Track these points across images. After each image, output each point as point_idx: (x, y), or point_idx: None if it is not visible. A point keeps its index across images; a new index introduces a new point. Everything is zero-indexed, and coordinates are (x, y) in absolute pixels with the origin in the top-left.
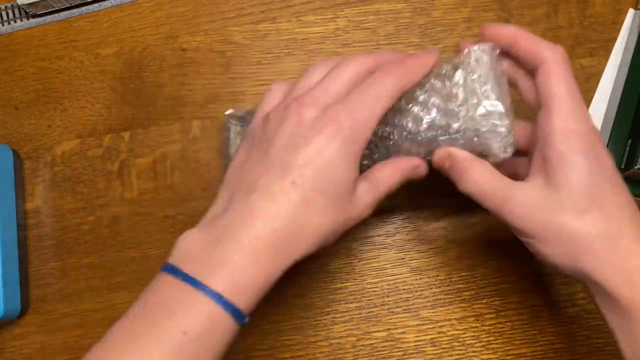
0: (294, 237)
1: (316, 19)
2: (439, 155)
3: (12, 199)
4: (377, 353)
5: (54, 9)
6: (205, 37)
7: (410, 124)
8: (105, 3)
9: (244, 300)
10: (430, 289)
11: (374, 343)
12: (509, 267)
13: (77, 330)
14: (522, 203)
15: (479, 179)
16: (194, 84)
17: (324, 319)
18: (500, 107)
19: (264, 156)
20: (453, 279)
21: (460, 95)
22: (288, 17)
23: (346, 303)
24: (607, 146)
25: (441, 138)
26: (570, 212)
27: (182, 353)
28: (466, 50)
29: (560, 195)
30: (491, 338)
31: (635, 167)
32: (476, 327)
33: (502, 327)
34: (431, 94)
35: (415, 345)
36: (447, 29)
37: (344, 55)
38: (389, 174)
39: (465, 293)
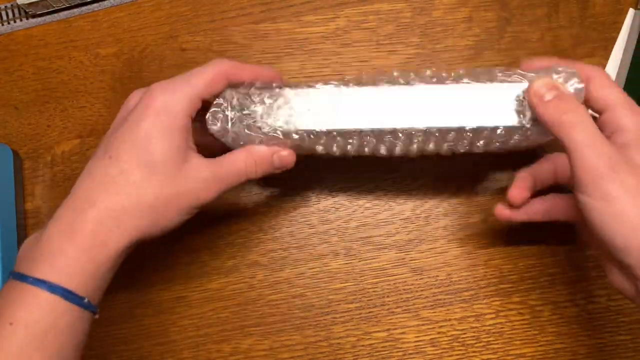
0: (116, 211)
1: (316, 19)
2: (543, 81)
3: (12, 198)
4: (377, 353)
5: (53, 9)
6: (205, 37)
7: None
8: (105, 3)
9: (73, 280)
10: (430, 289)
11: (374, 343)
12: (509, 267)
13: None
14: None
15: (590, 128)
16: None
17: (324, 319)
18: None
19: (99, 146)
20: (453, 279)
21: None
22: (288, 17)
23: (346, 303)
24: None
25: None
26: None
27: (11, 343)
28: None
29: None
30: (491, 338)
31: None
32: (476, 327)
33: (502, 328)
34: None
35: (415, 346)
36: (447, 29)
37: None
38: (238, 156)
39: (465, 293)
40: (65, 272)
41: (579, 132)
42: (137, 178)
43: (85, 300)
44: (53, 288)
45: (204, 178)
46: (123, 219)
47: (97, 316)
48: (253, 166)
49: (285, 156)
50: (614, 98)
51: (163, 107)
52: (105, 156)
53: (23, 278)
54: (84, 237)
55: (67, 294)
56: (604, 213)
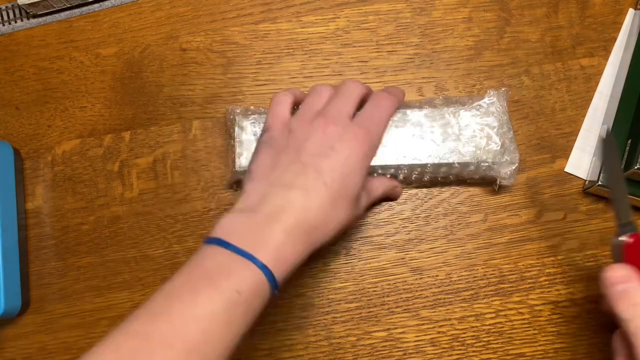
0: (321, 227)
1: (316, 19)
2: (616, 271)
3: (13, 198)
4: (377, 353)
5: (54, 9)
6: (206, 37)
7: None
8: (106, 3)
9: (281, 273)
10: (430, 289)
11: (374, 343)
12: (509, 267)
13: (77, 330)
14: None
15: None
16: (194, 84)
17: (324, 319)
18: (510, 146)
19: (296, 160)
20: (453, 279)
21: (478, 132)
22: (288, 17)
23: (346, 303)
24: None
25: (457, 162)
26: None
27: (235, 308)
28: (487, 97)
29: None
30: (491, 338)
31: (636, 167)
32: (476, 327)
33: (502, 327)
34: (446, 127)
35: (415, 345)
36: (447, 29)
37: (344, 80)
38: (377, 186)
39: (465, 293)
40: (281, 266)
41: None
42: (340, 205)
43: (277, 292)
44: (270, 277)
45: (364, 207)
46: (321, 235)
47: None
48: (380, 195)
49: (399, 190)
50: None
51: (370, 149)
52: (320, 181)
53: (250, 257)
54: (300, 244)
55: (274, 284)
56: None
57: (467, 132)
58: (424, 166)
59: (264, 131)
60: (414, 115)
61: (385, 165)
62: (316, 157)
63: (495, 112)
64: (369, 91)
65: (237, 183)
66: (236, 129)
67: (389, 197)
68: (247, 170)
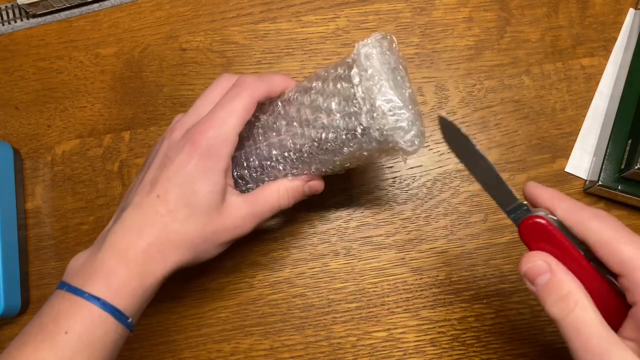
0: (164, 245)
1: (316, 19)
2: (531, 264)
3: (13, 198)
4: (377, 353)
5: (54, 9)
6: (205, 37)
7: (319, 133)
8: (106, 3)
9: (123, 301)
10: (430, 289)
11: (374, 343)
12: (509, 267)
13: None
14: None
15: (580, 313)
16: (194, 84)
17: (324, 319)
18: (397, 101)
19: (141, 179)
20: (453, 279)
21: (359, 96)
22: (288, 17)
23: (346, 303)
24: (607, 146)
25: (350, 143)
26: None
27: (66, 350)
28: (355, 47)
29: None
30: (491, 338)
31: (636, 167)
32: (476, 327)
33: (502, 327)
34: (331, 99)
35: (416, 345)
36: (447, 29)
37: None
38: (270, 193)
39: (465, 293)
40: (118, 293)
41: (569, 320)
42: (182, 217)
43: (129, 320)
44: (106, 306)
45: (242, 216)
46: (169, 252)
47: (131, 334)
48: (286, 199)
49: (316, 184)
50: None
51: (207, 149)
52: (153, 194)
53: (79, 292)
54: (136, 265)
55: (117, 313)
56: None
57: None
58: (299, 154)
59: None
60: (282, 102)
61: (254, 165)
62: (155, 171)
63: (364, 64)
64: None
65: None
66: None
67: (304, 197)
68: None
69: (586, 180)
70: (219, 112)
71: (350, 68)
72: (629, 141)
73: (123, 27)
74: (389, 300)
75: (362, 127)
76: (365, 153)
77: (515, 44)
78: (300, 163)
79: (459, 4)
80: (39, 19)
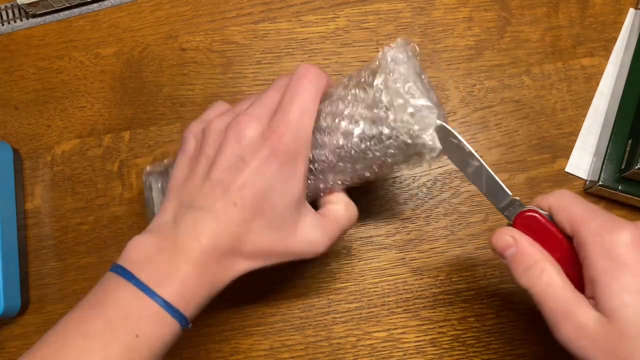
0: (235, 253)
1: (316, 19)
2: (500, 239)
3: (12, 198)
4: (378, 353)
5: (53, 9)
6: (205, 37)
7: (341, 140)
8: (105, 3)
9: (189, 308)
10: (431, 289)
11: (374, 343)
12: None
13: None
14: (582, 324)
15: (546, 279)
16: (193, 84)
17: (324, 319)
18: (427, 102)
19: (207, 175)
20: (453, 279)
21: (385, 100)
22: (288, 17)
23: (346, 303)
24: (608, 146)
25: (375, 148)
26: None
27: (135, 351)
28: (380, 52)
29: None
30: (492, 338)
31: (636, 167)
32: (477, 327)
33: (502, 327)
34: (356, 105)
35: (416, 346)
36: (447, 29)
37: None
38: (342, 215)
39: (466, 293)
40: (188, 301)
41: (538, 286)
42: (258, 228)
43: (190, 325)
44: (177, 313)
45: (314, 241)
46: (240, 261)
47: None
48: (351, 222)
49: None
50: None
51: (286, 156)
52: (228, 200)
53: (152, 294)
54: (209, 274)
55: (183, 321)
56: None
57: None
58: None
59: (187, 127)
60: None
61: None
62: (226, 172)
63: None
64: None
65: None
66: (154, 194)
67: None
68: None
69: (586, 181)
70: (293, 111)
71: (375, 73)
72: (629, 141)
73: (123, 27)
74: (389, 301)
75: (388, 131)
76: (389, 160)
77: (516, 44)
78: (320, 173)
79: (459, 4)
80: (39, 19)
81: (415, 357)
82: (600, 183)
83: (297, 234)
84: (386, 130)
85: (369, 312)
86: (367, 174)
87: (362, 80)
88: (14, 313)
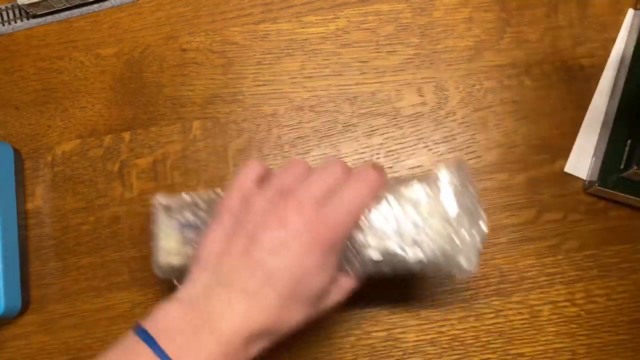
0: (268, 334)
1: (316, 19)
2: None
3: (13, 198)
4: (377, 353)
5: (54, 9)
6: (206, 37)
7: (376, 255)
8: (106, 3)
9: None
10: (430, 288)
11: (374, 343)
12: (509, 266)
13: (77, 330)
14: None
15: None
16: (194, 84)
17: (325, 319)
18: (466, 225)
19: (245, 253)
20: (453, 279)
21: (427, 214)
22: (288, 18)
23: (346, 302)
24: (607, 146)
25: (408, 268)
26: None
27: None
28: (434, 169)
29: None
30: (491, 338)
31: (635, 168)
32: (476, 326)
33: (501, 327)
34: (404, 222)
35: (415, 345)
36: (447, 29)
37: (326, 158)
38: (349, 284)
39: (465, 293)
40: None
41: None
42: (294, 310)
43: None
44: None
45: (335, 302)
46: (268, 338)
47: None
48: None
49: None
50: None
51: (328, 248)
52: (266, 284)
53: None
54: (232, 353)
55: None
56: None
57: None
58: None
59: (223, 198)
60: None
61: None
62: (267, 253)
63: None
64: (351, 172)
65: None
66: (161, 228)
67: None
68: (198, 244)
69: (585, 181)
70: (342, 212)
71: (425, 186)
72: (629, 141)
73: (123, 28)
74: (389, 300)
75: (427, 259)
76: (416, 270)
77: (515, 45)
78: (345, 261)
79: (459, 5)
80: (39, 20)
81: (414, 357)
82: (599, 183)
83: (325, 302)
84: (425, 246)
85: (369, 312)
86: (386, 272)
87: (412, 190)
88: (14, 313)
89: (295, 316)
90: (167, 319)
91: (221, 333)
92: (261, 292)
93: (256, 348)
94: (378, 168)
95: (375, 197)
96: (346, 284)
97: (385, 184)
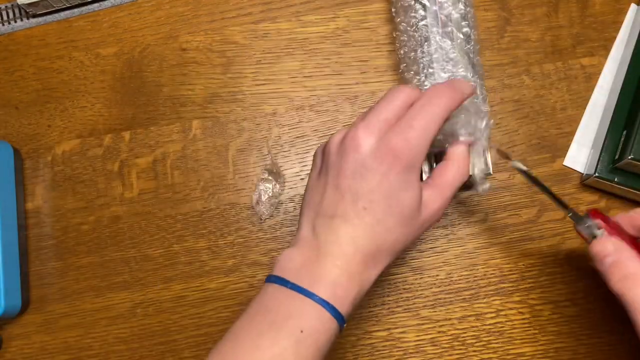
0: (375, 253)
1: (316, 19)
2: (602, 246)
3: (13, 198)
4: (377, 352)
5: (54, 9)
6: (205, 36)
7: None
8: (105, 3)
9: (343, 306)
10: (431, 288)
11: (374, 342)
12: (509, 266)
13: (77, 330)
14: None
15: None
16: (193, 84)
17: None
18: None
19: (335, 185)
20: (453, 279)
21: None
22: (288, 17)
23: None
24: (605, 138)
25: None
26: None
27: (301, 345)
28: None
29: None
30: (491, 337)
31: (629, 157)
32: (476, 326)
33: (502, 327)
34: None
35: (416, 345)
36: None
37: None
38: (453, 176)
39: (466, 292)
40: (341, 301)
41: (632, 295)
42: (391, 226)
43: (345, 324)
44: (334, 311)
45: (437, 208)
46: (380, 259)
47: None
48: (461, 175)
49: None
50: None
51: (407, 163)
52: (358, 205)
53: (309, 294)
54: (356, 275)
55: (339, 318)
56: None
57: None
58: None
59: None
60: None
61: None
62: (351, 180)
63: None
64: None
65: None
66: None
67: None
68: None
69: (583, 174)
70: (418, 123)
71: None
72: (624, 132)
73: (123, 27)
74: (389, 300)
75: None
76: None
77: (515, 44)
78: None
79: None
80: (39, 19)
81: (415, 357)
82: (596, 175)
83: (422, 212)
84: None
85: (369, 312)
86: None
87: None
88: (14, 313)
89: (396, 232)
90: (288, 261)
91: (335, 258)
92: (356, 214)
93: (377, 268)
94: (450, 82)
95: (449, 110)
96: (434, 205)
97: (461, 95)
